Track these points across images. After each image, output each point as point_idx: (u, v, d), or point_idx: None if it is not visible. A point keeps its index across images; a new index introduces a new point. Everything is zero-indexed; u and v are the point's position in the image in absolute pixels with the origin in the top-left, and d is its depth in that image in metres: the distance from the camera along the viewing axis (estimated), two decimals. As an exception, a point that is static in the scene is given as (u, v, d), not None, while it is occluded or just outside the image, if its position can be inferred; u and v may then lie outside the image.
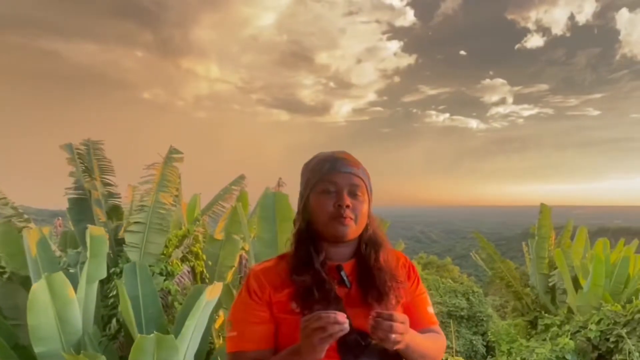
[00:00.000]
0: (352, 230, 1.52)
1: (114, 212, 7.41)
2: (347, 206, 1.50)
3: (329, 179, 1.52)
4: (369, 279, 1.55)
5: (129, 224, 6.96)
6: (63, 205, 7.36)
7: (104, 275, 5.46)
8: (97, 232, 5.07)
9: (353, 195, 1.53)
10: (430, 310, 1.70)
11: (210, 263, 7.35)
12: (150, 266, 6.62)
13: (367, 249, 1.59)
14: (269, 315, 1.51)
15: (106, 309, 6.57)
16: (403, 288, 1.60)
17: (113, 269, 6.70)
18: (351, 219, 1.51)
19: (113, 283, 6.48)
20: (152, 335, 4.10)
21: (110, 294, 6.57)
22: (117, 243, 7.15)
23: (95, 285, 5.50)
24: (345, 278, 1.52)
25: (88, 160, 7.40)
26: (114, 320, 6.33)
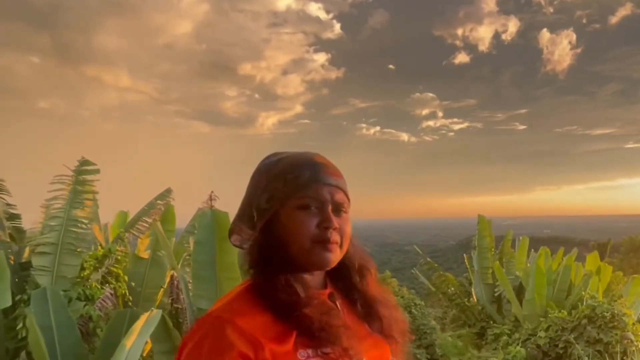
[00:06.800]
0: (336, 257, 1.15)
1: (16, 234, 6.60)
2: (335, 228, 1.12)
3: (310, 192, 1.13)
4: (370, 310, 1.25)
5: (37, 244, 6.25)
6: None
7: (8, 303, 4.98)
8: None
9: (338, 212, 1.15)
10: None
11: (133, 284, 6.65)
12: (65, 291, 6.01)
13: (357, 276, 1.25)
14: None
15: (12, 341, 5.86)
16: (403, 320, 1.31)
17: (19, 296, 5.97)
18: (337, 243, 1.14)
19: (18, 312, 5.78)
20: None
21: (17, 325, 5.77)
22: (23, 267, 6.43)
23: (-4, 315, 4.83)
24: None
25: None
26: (22, 354, 5.74)
